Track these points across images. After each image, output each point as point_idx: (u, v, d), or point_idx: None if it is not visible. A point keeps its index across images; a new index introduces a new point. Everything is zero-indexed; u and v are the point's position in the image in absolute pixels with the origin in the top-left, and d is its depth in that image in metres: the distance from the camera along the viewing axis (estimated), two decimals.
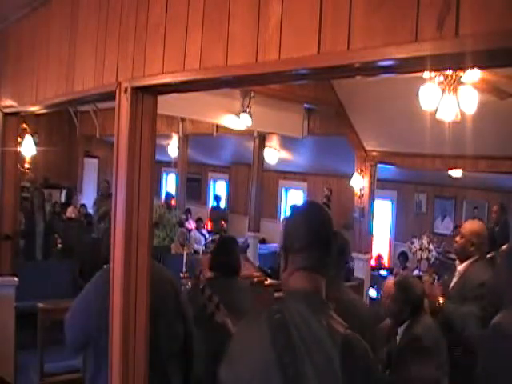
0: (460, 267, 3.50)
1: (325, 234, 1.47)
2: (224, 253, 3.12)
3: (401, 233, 9.82)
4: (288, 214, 1.63)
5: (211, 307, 2.50)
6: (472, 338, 2.92)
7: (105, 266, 2.36)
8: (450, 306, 3.37)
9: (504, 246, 2.31)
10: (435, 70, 3.11)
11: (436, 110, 3.46)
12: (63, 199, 11.84)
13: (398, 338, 3.02)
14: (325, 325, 1.33)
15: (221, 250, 3.16)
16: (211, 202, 14.04)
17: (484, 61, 1.24)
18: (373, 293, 6.73)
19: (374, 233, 6.89)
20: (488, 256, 3.92)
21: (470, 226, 3.56)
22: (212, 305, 2.50)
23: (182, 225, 8.93)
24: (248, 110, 6.04)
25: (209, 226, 11.68)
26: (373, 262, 7.84)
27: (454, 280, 3.56)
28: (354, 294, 2.74)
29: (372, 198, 6.60)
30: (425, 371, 2.78)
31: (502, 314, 2.02)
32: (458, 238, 3.53)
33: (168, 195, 8.81)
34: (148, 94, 2.13)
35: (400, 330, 3.01)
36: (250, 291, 3.11)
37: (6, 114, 3.83)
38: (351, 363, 1.29)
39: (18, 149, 4.19)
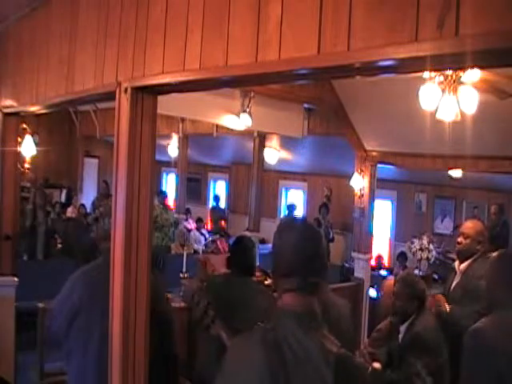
0: (462, 266, 3.50)
1: (314, 258, 1.43)
2: (243, 253, 3.14)
3: (401, 233, 9.82)
4: (285, 216, 1.57)
5: (207, 320, 2.53)
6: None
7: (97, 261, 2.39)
8: (456, 309, 3.36)
9: (494, 254, 2.29)
10: (435, 70, 3.11)
11: (436, 110, 3.46)
12: (63, 199, 11.83)
13: (400, 336, 3.03)
14: (318, 344, 1.32)
15: (240, 250, 3.18)
16: (211, 202, 14.06)
17: (484, 61, 1.24)
18: (373, 293, 6.72)
19: (374, 233, 6.88)
20: (488, 256, 3.91)
21: (473, 225, 3.54)
22: (208, 318, 2.53)
23: (177, 224, 8.84)
24: (248, 109, 6.03)
25: (209, 225, 11.67)
26: (373, 262, 7.83)
27: (456, 279, 3.56)
28: (339, 298, 2.75)
29: (372, 198, 6.58)
30: (427, 369, 2.79)
31: (485, 319, 2.00)
32: (460, 239, 3.50)
33: (162, 194, 8.53)
34: (148, 94, 2.13)
35: (402, 329, 3.02)
36: (263, 292, 3.12)
37: (6, 114, 3.83)
38: (344, 382, 1.29)
39: (18, 149, 4.19)
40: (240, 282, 3.00)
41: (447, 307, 3.38)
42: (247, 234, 8.64)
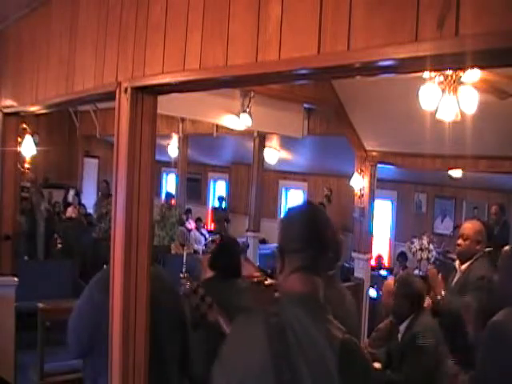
0: (463, 266, 3.51)
1: (322, 234, 1.45)
2: (224, 254, 3.12)
3: (401, 233, 9.82)
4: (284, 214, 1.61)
5: (204, 307, 2.49)
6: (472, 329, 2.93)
7: (105, 266, 2.35)
8: (450, 297, 3.38)
9: (506, 247, 2.29)
10: (435, 70, 3.11)
11: (436, 110, 3.46)
12: (71, 199, 11.82)
13: (399, 336, 3.04)
14: (322, 329, 1.31)
15: (221, 252, 3.16)
16: (211, 203, 14.07)
17: (484, 61, 1.24)
18: (373, 293, 6.73)
19: (374, 233, 6.88)
20: (487, 250, 3.91)
21: (472, 226, 3.56)
22: (205, 305, 2.49)
23: (182, 224, 9.02)
24: (248, 109, 6.04)
25: (209, 225, 11.68)
26: (373, 262, 7.84)
27: (456, 278, 3.57)
28: (349, 293, 2.74)
29: (372, 198, 6.59)
30: (426, 368, 2.79)
31: (503, 312, 2.01)
32: (460, 241, 3.51)
33: (168, 195, 8.93)
34: (148, 94, 2.13)
35: (401, 329, 3.02)
36: (251, 292, 3.11)
37: (5, 114, 3.83)
38: (348, 368, 1.28)
39: (18, 149, 4.19)
40: (226, 284, 2.98)
41: (443, 292, 3.38)
42: (249, 234, 8.68)
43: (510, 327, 1.93)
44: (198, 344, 2.88)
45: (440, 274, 3.61)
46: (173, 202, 8.61)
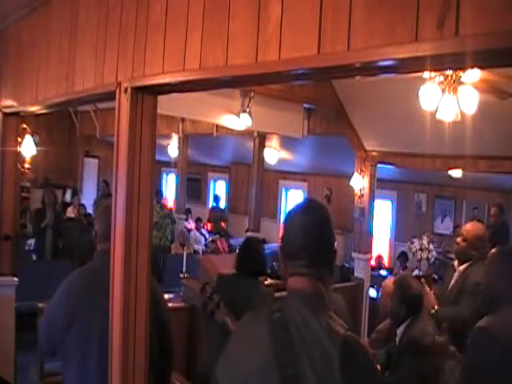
0: (460, 268, 3.53)
1: (318, 240, 1.43)
2: (244, 254, 3.13)
3: (401, 233, 9.82)
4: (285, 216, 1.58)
5: (211, 306, 2.51)
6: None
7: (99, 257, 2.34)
8: (443, 309, 3.41)
9: (493, 249, 2.27)
10: (435, 70, 3.11)
11: (436, 110, 3.46)
12: (68, 199, 11.81)
13: (397, 339, 3.03)
14: (325, 325, 1.32)
15: (242, 252, 3.17)
16: (211, 202, 14.07)
17: (484, 61, 1.24)
18: (373, 293, 6.73)
19: (374, 233, 6.88)
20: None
21: (473, 229, 3.55)
22: (212, 303, 2.51)
23: (174, 222, 8.90)
24: (248, 109, 6.03)
25: (208, 226, 11.64)
26: (373, 262, 7.84)
27: (454, 279, 3.58)
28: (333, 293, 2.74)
29: (372, 198, 6.59)
30: (423, 371, 2.79)
31: (488, 317, 1.99)
32: (459, 240, 3.53)
33: (159, 193, 8.59)
34: (148, 93, 2.13)
35: (399, 331, 3.01)
36: (267, 294, 3.10)
37: (5, 114, 3.83)
38: (351, 365, 1.28)
39: (18, 149, 4.19)
40: (245, 283, 2.98)
41: (436, 307, 3.43)
42: (250, 234, 8.67)
43: (494, 333, 1.92)
44: (207, 344, 2.88)
45: (431, 289, 3.61)
46: (165, 202, 8.43)
